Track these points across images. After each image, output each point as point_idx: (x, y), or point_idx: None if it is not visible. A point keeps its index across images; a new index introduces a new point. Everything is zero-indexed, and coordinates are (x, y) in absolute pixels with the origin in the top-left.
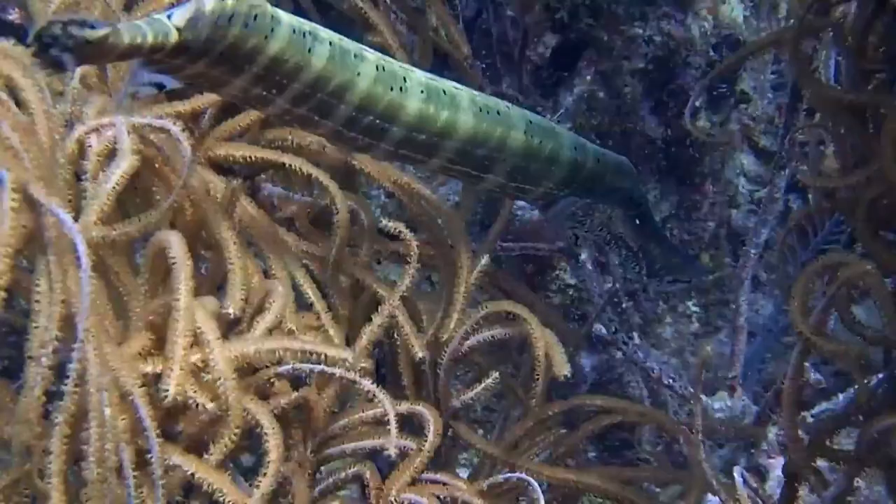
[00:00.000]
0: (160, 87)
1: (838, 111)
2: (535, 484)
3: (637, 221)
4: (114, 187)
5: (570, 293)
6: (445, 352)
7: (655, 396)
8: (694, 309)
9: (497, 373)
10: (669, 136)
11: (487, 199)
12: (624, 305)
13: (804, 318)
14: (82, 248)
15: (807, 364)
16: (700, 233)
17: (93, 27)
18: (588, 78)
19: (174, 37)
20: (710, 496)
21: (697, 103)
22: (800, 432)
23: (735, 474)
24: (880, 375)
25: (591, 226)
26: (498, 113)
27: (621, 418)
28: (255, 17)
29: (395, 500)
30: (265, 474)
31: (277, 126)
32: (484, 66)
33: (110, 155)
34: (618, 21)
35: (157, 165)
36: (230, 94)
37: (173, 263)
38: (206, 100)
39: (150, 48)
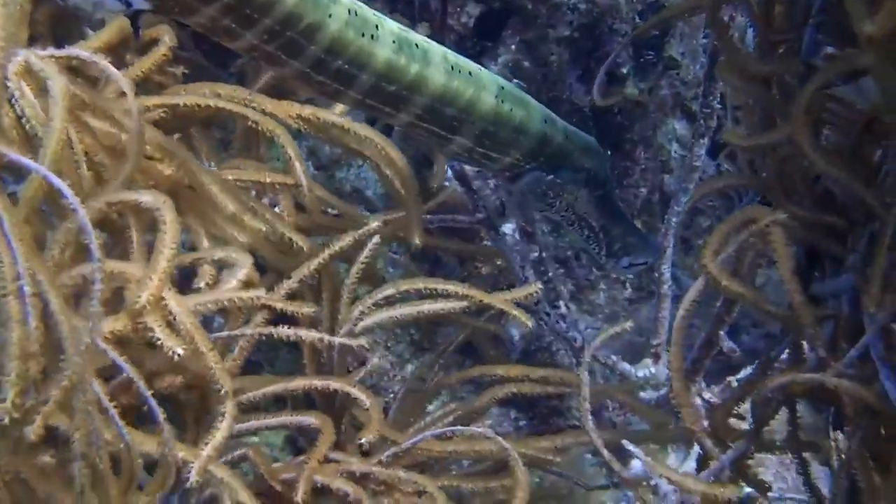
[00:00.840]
0: (127, 4)
1: (748, 79)
2: None
3: (600, 201)
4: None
5: (499, 263)
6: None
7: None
8: (629, 275)
9: (377, 357)
10: (598, 104)
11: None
12: (551, 274)
13: (714, 259)
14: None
15: (721, 332)
16: (632, 199)
17: None
18: (513, 47)
19: None
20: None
21: (624, 70)
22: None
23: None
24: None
25: (558, 206)
26: (470, 73)
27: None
28: None
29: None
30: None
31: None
32: None
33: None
34: None
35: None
36: (198, 23)
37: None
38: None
39: None
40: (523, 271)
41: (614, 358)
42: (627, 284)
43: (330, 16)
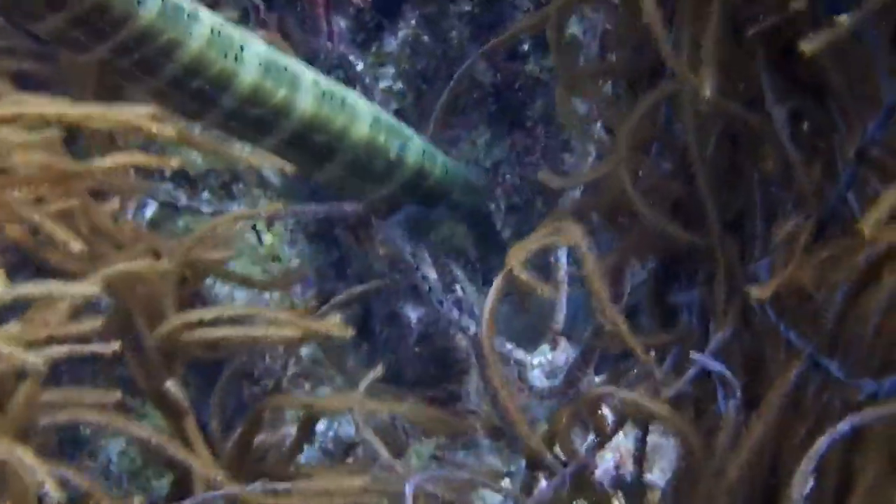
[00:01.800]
0: None
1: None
2: None
3: (479, 237)
4: None
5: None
6: None
7: (479, 348)
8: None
9: None
10: (499, 81)
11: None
12: (445, 259)
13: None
14: None
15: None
16: (533, 176)
17: None
18: (413, 21)
19: None
20: None
21: (525, 47)
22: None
23: None
24: None
25: (432, 240)
26: (343, 101)
27: None
28: None
29: None
30: None
31: None
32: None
33: None
34: None
35: None
36: (45, 31)
37: None
38: None
39: None
40: (415, 258)
41: (509, 346)
42: (530, 265)
43: (190, 34)
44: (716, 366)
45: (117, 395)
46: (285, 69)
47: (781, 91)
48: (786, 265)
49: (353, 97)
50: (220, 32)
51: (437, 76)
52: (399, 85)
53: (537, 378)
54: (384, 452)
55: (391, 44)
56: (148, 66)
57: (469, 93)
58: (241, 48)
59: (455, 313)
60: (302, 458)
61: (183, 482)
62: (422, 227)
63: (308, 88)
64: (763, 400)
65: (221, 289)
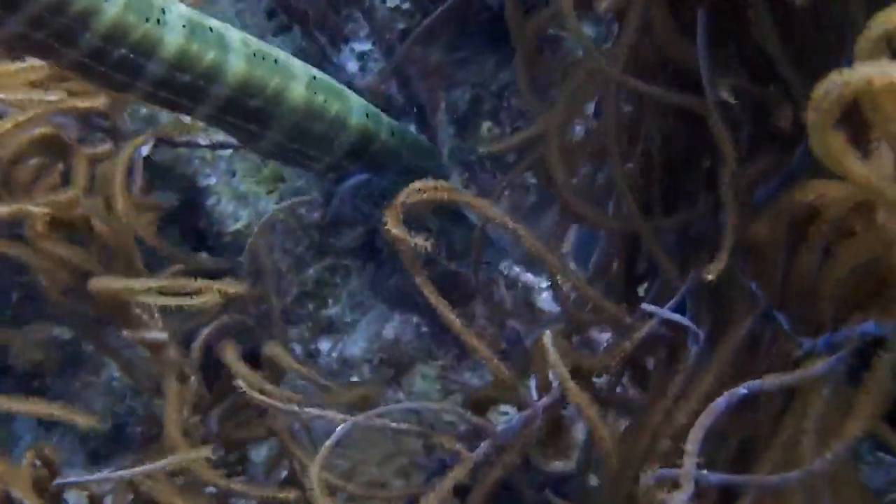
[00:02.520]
0: None
1: None
2: None
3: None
4: None
5: None
6: None
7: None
8: (532, 180)
9: None
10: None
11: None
12: (453, 179)
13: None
14: None
15: None
16: (542, 98)
17: None
18: None
19: None
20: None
21: None
22: None
23: None
24: None
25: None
26: (275, 61)
27: None
28: None
29: None
30: None
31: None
32: None
33: None
34: None
35: None
36: None
37: None
38: None
39: None
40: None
41: (517, 268)
42: (532, 190)
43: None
44: (675, 316)
45: None
46: (211, 30)
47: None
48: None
49: (285, 56)
50: None
51: None
52: (406, 5)
53: (546, 302)
54: None
55: None
56: (65, 38)
57: (478, 15)
58: (163, 11)
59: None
60: None
61: None
62: (373, 197)
63: (237, 49)
64: (718, 348)
65: (226, 207)
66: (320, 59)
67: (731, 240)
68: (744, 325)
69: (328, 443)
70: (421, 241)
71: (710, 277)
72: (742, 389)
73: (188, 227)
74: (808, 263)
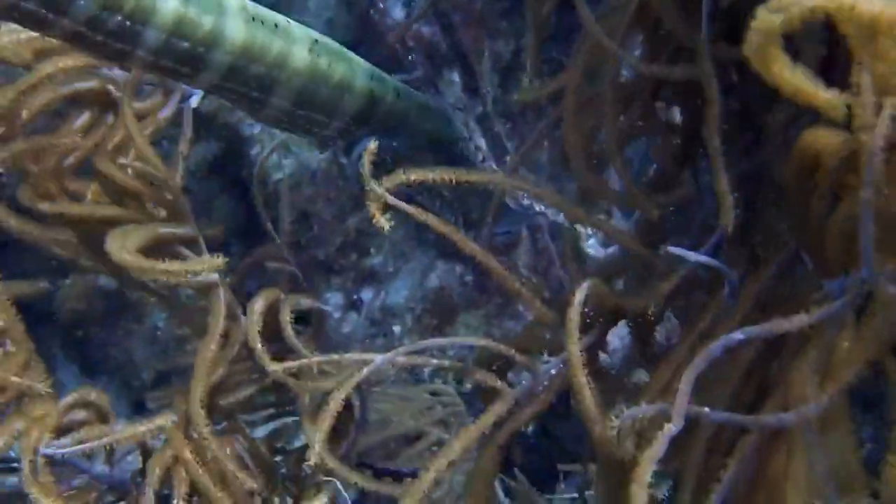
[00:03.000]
0: None
1: None
2: None
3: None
4: None
5: None
6: None
7: (531, 220)
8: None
9: None
10: None
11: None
12: (496, 129)
13: None
14: None
15: None
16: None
17: None
18: None
19: None
20: None
21: None
22: None
23: None
24: None
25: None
26: (276, 25)
27: None
28: None
29: None
30: None
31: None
32: None
33: None
34: None
35: None
36: None
37: None
38: None
39: None
40: (468, 128)
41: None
42: None
43: None
44: (705, 258)
45: None
46: None
47: None
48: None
49: (285, 20)
50: None
51: None
52: None
53: (592, 248)
54: None
55: None
56: (57, 5)
57: None
58: None
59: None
60: (348, 328)
61: None
62: (385, 164)
63: (236, 13)
64: (745, 288)
65: (270, 156)
66: (367, 5)
67: (726, 188)
68: (771, 266)
69: (365, 371)
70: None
71: (728, 228)
72: (738, 335)
73: (232, 176)
74: (818, 209)
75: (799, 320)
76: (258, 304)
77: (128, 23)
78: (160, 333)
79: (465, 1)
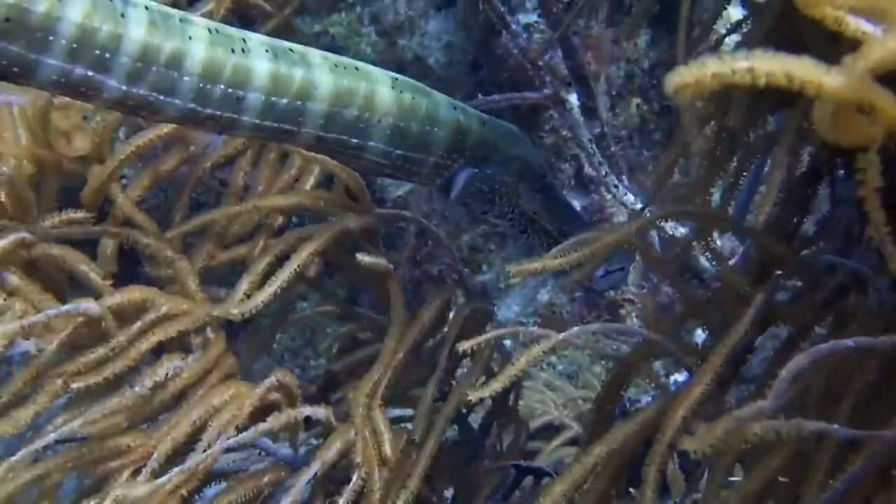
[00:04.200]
0: None
1: None
2: None
3: (544, 196)
4: None
5: (563, 133)
6: None
7: (644, 236)
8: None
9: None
10: None
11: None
12: (612, 150)
13: None
14: None
15: None
16: None
17: None
18: None
19: None
20: None
21: None
22: None
23: None
24: None
25: (500, 205)
26: (356, 69)
27: None
28: None
29: None
30: None
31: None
32: None
33: None
34: None
35: None
36: (47, 83)
37: None
38: None
39: None
40: (591, 143)
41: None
42: None
43: (190, 38)
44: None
45: None
46: (291, 50)
47: None
48: None
49: (362, 64)
50: (217, 30)
51: None
52: None
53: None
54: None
55: None
56: (161, 85)
57: None
58: (244, 40)
59: (630, 198)
60: None
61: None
62: (483, 195)
63: (320, 63)
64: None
65: None
66: (490, 30)
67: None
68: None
69: (534, 351)
70: None
71: None
72: (849, 342)
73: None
74: None
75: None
76: (437, 302)
77: (230, 90)
78: (276, 346)
79: (583, 27)
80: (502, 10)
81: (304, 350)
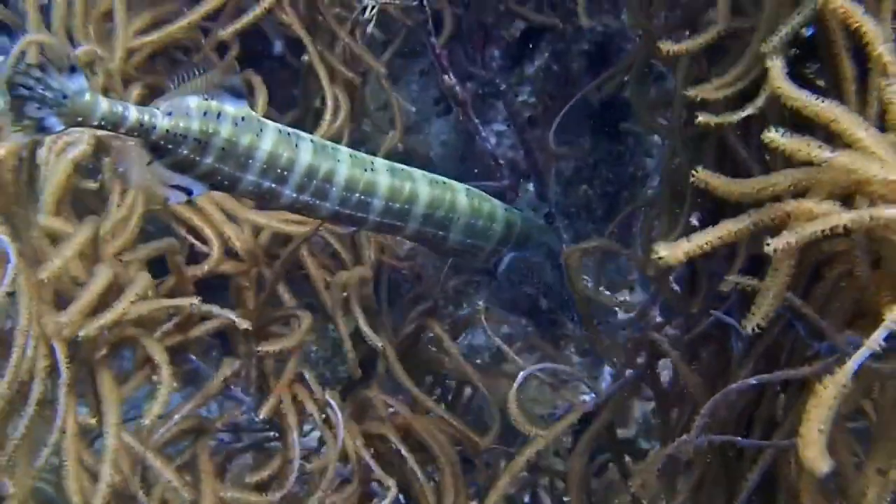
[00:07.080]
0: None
1: None
2: None
3: (559, 272)
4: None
5: None
6: None
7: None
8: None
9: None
10: (603, 101)
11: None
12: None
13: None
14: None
15: None
16: (622, 175)
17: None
18: (546, 55)
19: (161, 120)
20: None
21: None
22: None
23: None
24: None
25: (531, 278)
26: (444, 182)
27: None
28: (242, 118)
29: None
30: None
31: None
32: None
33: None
34: (570, 13)
35: None
36: (244, 192)
37: None
38: None
39: (132, 126)
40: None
41: (601, 288)
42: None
43: (338, 161)
44: (726, 318)
45: None
46: (402, 169)
47: None
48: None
49: (444, 179)
50: (354, 155)
51: (561, 95)
52: (532, 99)
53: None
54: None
55: (529, 69)
56: (319, 194)
57: (582, 109)
58: (371, 162)
59: None
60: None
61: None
62: (521, 271)
63: (421, 179)
64: (754, 346)
65: None
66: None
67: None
68: (773, 331)
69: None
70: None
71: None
72: (751, 380)
73: None
74: (821, 289)
75: (797, 372)
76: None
77: (363, 197)
78: (312, 354)
79: (539, 136)
80: (476, 121)
81: (334, 359)
